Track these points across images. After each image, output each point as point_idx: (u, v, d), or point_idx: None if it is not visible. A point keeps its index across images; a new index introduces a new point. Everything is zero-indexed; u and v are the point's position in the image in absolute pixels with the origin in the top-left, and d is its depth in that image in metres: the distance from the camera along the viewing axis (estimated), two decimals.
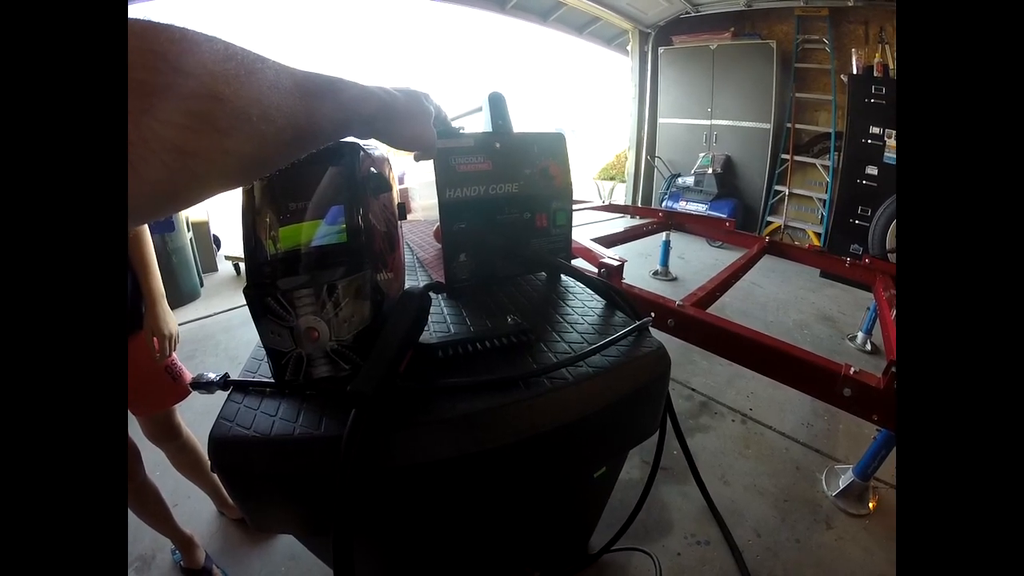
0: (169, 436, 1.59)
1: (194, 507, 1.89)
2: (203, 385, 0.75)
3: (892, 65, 5.08)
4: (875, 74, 5.13)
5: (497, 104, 1.08)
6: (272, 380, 0.73)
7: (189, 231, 4.21)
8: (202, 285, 4.35)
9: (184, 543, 1.62)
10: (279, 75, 0.38)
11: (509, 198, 1.06)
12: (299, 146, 0.42)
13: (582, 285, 1.11)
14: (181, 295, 3.95)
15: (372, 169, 0.77)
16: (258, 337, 0.71)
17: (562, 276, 1.17)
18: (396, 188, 0.95)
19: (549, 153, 1.11)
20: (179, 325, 1.45)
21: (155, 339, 1.38)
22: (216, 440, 0.65)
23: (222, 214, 5.18)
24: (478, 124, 1.11)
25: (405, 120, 0.59)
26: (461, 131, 1.01)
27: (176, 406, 1.56)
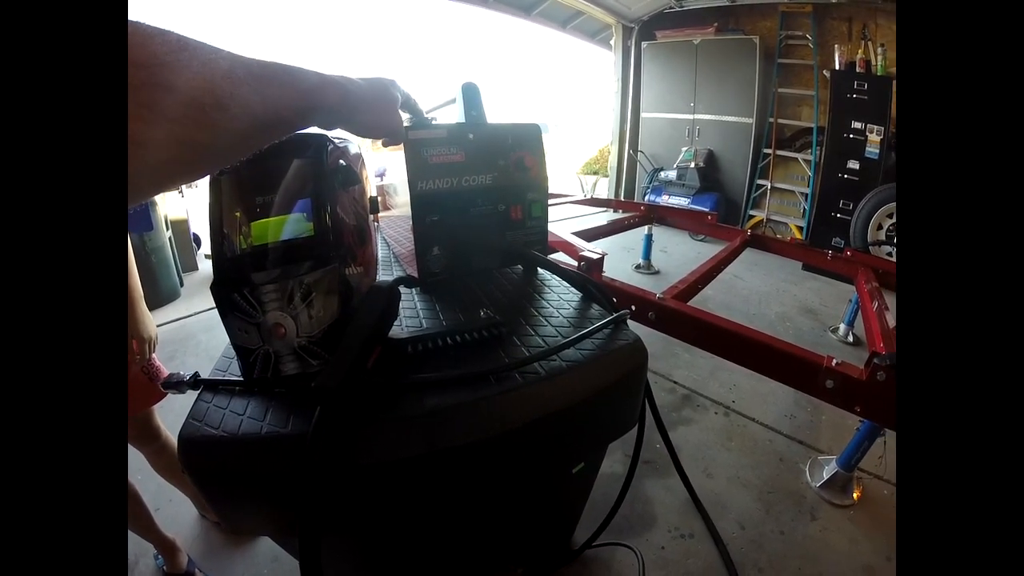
0: (148, 438, 1.56)
1: (175, 510, 1.86)
2: (174, 385, 0.74)
3: (874, 61, 5.15)
4: (857, 70, 5.20)
5: (471, 95, 1.07)
6: (241, 378, 0.72)
7: (168, 230, 4.15)
8: (182, 285, 4.30)
9: (166, 547, 1.59)
10: (234, 65, 0.37)
11: (483, 190, 1.05)
12: (258, 136, 0.41)
13: (558, 278, 1.10)
14: (161, 295, 3.89)
15: (341, 161, 0.76)
16: None
17: (539, 269, 1.16)
18: (369, 181, 0.94)
19: (524, 144, 1.09)
20: (159, 325, 1.43)
21: (134, 342, 1.35)
22: (185, 440, 0.64)
23: (202, 213, 5.13)
24: (452, 116, 1.10)
25: (369, 108, 0.58)
26: (433, 122, 0.99)
27: (155, 408, 1.54)
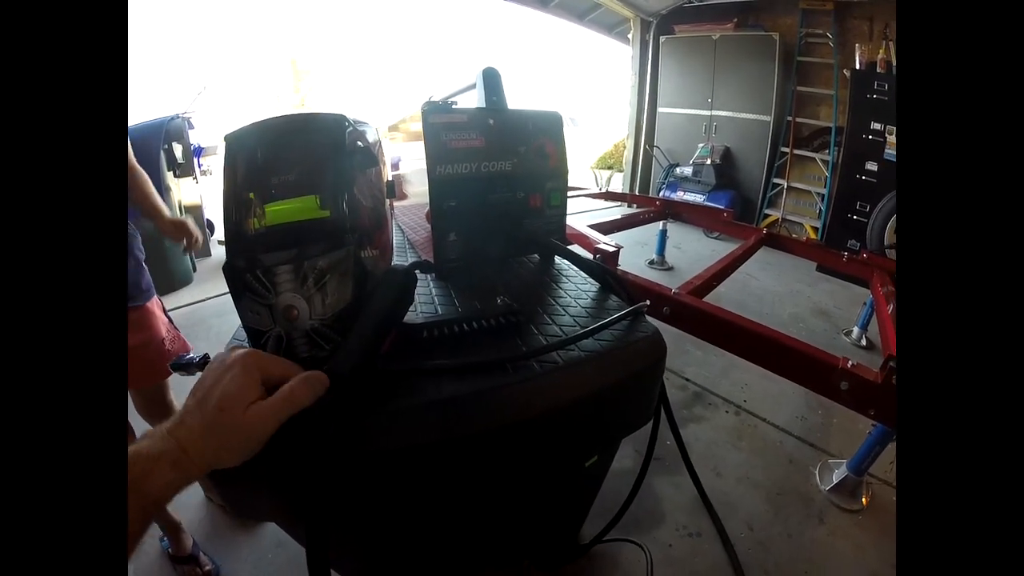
0: (161, 413, 1.56)
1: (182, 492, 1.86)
2: (183, 366, 0.73)
3: (895, 62, 5.05)
4: (878, 70, 5.10)
5: (491, 80, 1.05)
6: None
7: (183, 216, 4.15)
8: (195, 270, 4.30)
9: (172, 529, 1.59)
10: None
11: (502, 176, 1.03)
12: None
13: (576, 268, 1.08)
14: (174, 280, 3.90)
15: (359, 143, 0.74)
16: None
17: (555, 258, 1.14)
18: (387, 165, 0.92)
19: (545, 132, 1.08)
20: (171, 310, 1.44)
21: (179, 227, 1.41)
22: None
23: (216, 199, 5.14)
24: (472, 101, 1.08)
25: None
26: (454, 105, 0.98)
27: (170, 382, 1.54)
